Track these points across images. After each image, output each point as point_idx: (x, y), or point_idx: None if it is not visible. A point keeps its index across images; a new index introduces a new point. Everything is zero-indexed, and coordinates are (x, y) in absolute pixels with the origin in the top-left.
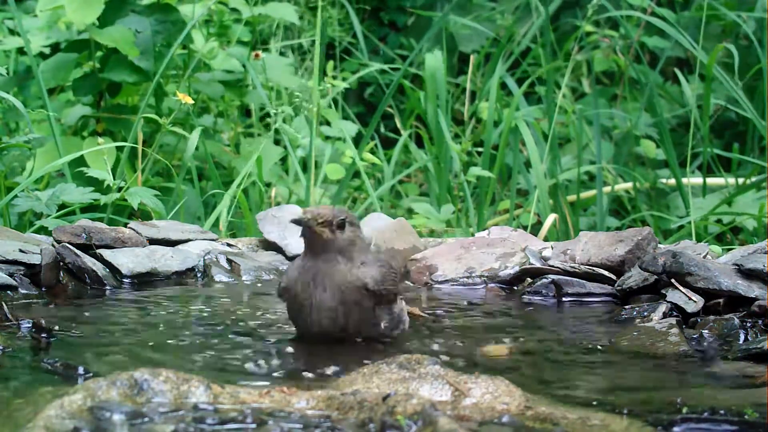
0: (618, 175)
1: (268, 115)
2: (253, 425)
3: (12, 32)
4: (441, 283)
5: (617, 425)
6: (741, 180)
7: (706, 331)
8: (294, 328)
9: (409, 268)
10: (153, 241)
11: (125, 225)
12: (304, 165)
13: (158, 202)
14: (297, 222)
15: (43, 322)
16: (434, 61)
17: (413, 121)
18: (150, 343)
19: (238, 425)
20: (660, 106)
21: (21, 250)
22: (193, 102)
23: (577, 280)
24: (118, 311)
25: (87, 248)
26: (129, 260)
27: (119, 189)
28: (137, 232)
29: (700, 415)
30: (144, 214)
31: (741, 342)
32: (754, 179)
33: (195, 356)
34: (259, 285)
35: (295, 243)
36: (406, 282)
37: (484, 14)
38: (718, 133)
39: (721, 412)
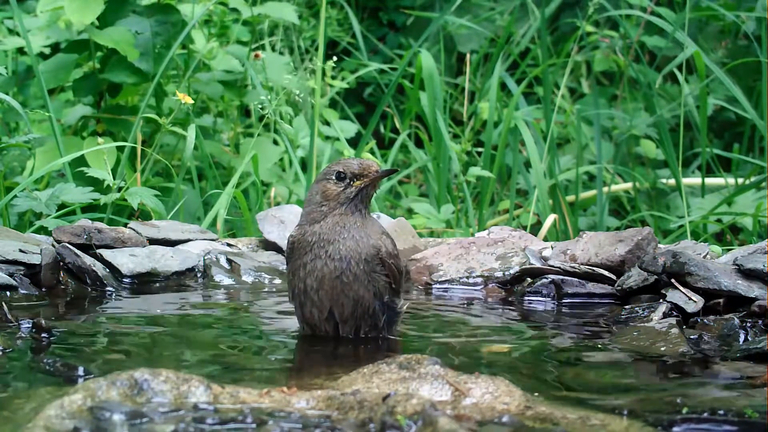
0: (616, 174)
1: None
2: (253, 425)
3: (11, 32)
4: (441, 283)
5: (617, 425)
6: (741, 180)
7: (705, 331)
8: (292, 328)
9: (409, 268)
10: (153, 241)
11: (125, 225)
12: (304, 165)
13: (158, 202)
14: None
15: (43, 322)
16: (428, 60)
17: (413, 122)
18: (150, 343)
19: (238, 425)
20: (660, 106)
21: (21, 250)
22: (192, 102)
23: (577, 280)
24: (118, 311)
25: (87, 248)
26: (129, 260)
27: (119, 189)
28: (137, 232)
29: (700, 415)
30: (144, 214)
31: (741, 342)
32: (753, 179)
33: (195, 356)
34: (258, 284)
35: None
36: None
37: (482, 14)
38: (717, 133)
39: (721, 412)
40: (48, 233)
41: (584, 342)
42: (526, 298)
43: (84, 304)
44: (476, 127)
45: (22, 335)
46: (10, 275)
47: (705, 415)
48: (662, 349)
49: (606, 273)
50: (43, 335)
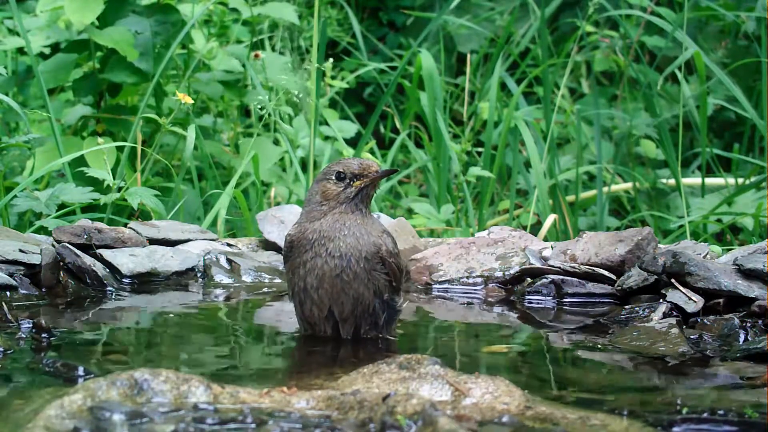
0: (616, 174)
1: (268, 114)
2: (253, 425)
3: (11, 32)
4: (441, 283)
5: (617, 425)
6: (741, 180)
7: (705, 331)
8: (292, 328)
9: (409, 268)
10: (153, 241)
11: (125, 225)
12: (304, 165)
13: (158, 202)
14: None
15: (43, 322)
16: (428, 60)
17: (413, 122)
18: (150, 343)
19: (238, 425)
20: (660, 106)
21: (21, 250)
22: (192, 102)
23: (577, 280)
24: (118, 311)
25: (87, 248)
26: (129, 260)
27: (119, 189)
28: (137, 232)
29: (700, 415)
30: (144, 214)
31: (741, 342)
32: (753, 179)
33: (195, 356)
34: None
35: None
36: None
37: (482, 14)
38: (717, 133)
39: (721, 412)
40: (48, 233)
41: (584, 342)
42: (526, 298)
43: (84, 304)
44: (476, 127)
45: (22, 335)
46: (10, 275)
47: (705, 415)
48: (662, 349)
49: (606, 273)
50: (43, 335)
